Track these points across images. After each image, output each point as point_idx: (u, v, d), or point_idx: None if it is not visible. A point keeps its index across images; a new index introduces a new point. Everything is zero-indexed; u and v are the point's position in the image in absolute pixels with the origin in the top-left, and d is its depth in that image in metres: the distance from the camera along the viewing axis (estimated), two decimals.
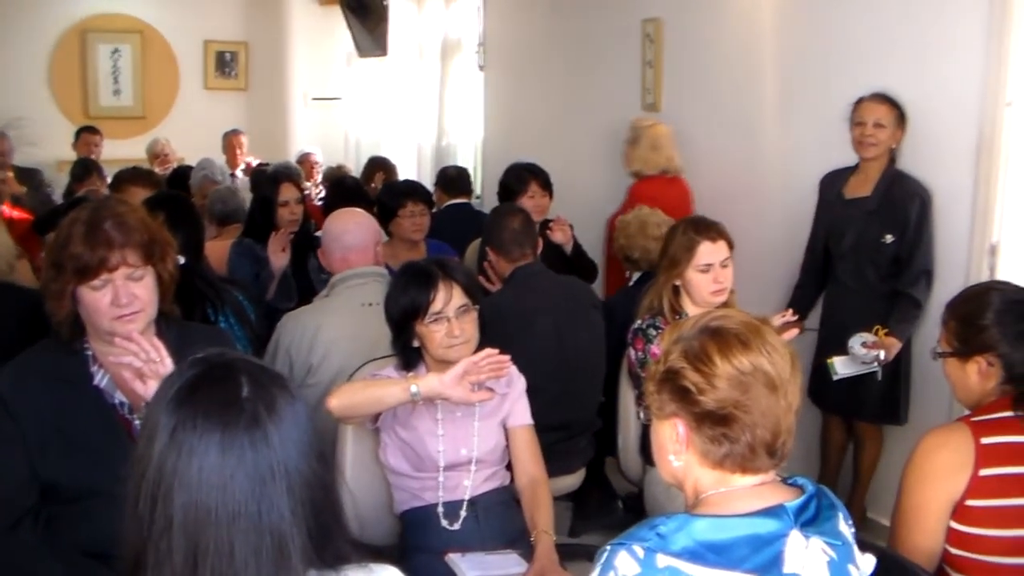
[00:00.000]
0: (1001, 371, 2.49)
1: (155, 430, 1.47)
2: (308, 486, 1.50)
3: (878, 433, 4.59)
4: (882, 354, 4.17)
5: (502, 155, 6.94)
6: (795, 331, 3.32)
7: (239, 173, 8.77)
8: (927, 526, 2.42)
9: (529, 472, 3.13)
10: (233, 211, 5.59)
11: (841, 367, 4.28)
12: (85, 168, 7.03)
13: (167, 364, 2.35)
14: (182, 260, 2.84)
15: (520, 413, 3.15)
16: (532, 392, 3.22)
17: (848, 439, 4.73)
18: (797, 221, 4.79)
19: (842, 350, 4.27)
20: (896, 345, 4.20)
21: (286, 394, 1.53)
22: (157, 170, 7.90)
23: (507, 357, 2.89)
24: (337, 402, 2.85)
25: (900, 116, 4.33)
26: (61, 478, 2.44)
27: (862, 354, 4.21)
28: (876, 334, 4.20)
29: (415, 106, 9.26)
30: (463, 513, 3.00)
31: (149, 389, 2.31)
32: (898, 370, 4.35)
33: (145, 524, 1.45)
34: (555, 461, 3.57)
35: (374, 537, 3.15)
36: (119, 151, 9.18)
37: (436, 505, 3.00)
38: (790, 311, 3.47)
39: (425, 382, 2.82)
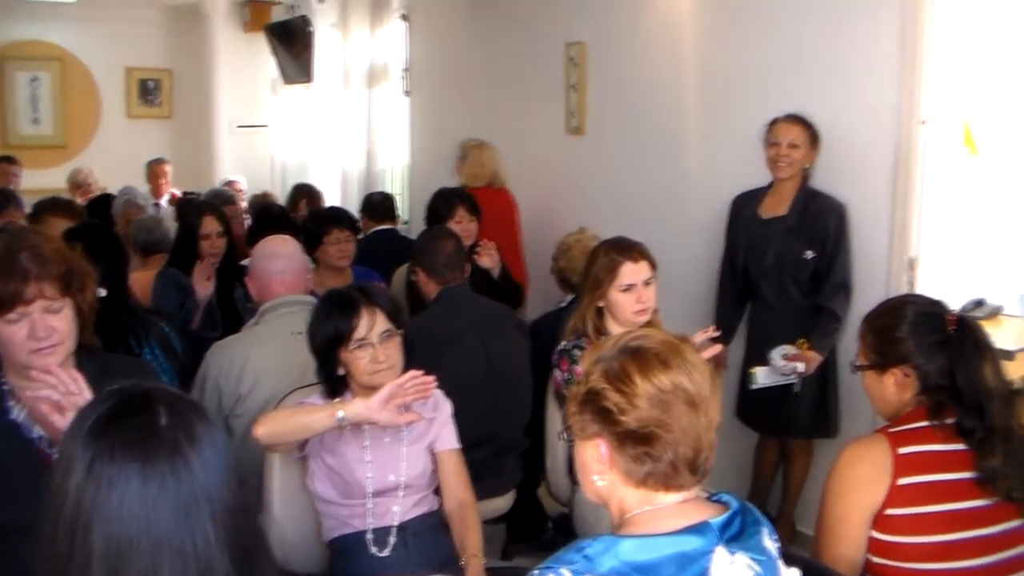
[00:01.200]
0: (917, 382, 2.55)
1: (71, 463, 1.46)
2: (230, 512, 1.49)
3: (808, 448, 4.66)
4: (800, 366, 4.26)
5: (429, 180, 6.95)
6: (718, 348, 3.36)
7: (164, 202, 8.68)
8: (849, 536, 2.46)
9: (457, 496, 3.13)
10: (157, 241, 5.53)
11: (762, 377, 4.37)
12: (3, 199, 6.89)
13: (86, 396, 2.32)
14: (104, 292, 2.80)
15: (447, 437, 3.16)
16: (460, 409, 3.24)
17: (780, 455, 4.80)
18: (720, 239, 4.85)
19: (764, 361, 4.36)
20: (816, 359, 4.29)
21: (205, 422, 1.53)
22: (79, 200, 7.79)
23: (432, 378, 2.90)
24: (264, 430, 2.84)
25: (814, 136, 4.43)
26: None
27: (781, 365, 4.30)
28: (800, 347, 4.28)
29: (341, 132, 9.24)
30: (392, 539, 2.99)
31: (68, 422, 2.27)
32: (826, 384, 4.44)
33: (63, 559, 1.43)
34: (484, 483, 3.58)
35: (303, 566, 3.15)
36: (39, 181, 9.02)
37: (365, 532, 2.98)
38: (712, 328, 3.52)
39: (351, 407, 2.82)
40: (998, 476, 2.42)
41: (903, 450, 2.45)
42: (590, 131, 6.16)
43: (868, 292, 4.24)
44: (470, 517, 3.11)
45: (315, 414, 2.86)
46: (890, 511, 2.42)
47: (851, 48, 4.45)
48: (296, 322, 3.53)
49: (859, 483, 2.47)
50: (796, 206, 4.43)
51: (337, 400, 2.91)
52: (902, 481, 2.42)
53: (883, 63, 4.29)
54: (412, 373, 2.87)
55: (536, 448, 4.09)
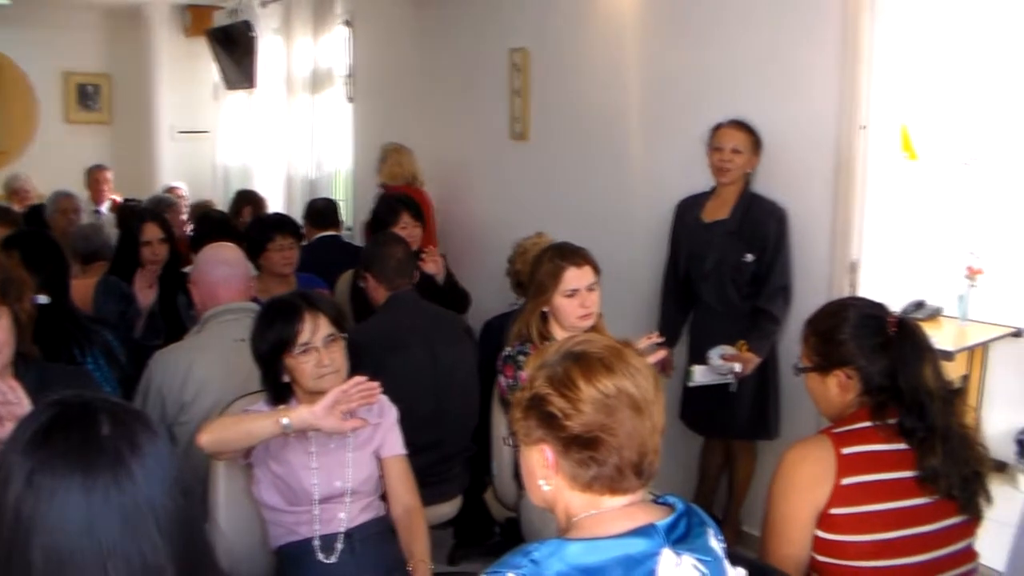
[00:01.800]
0: (859, 383, 2.59)
1: (11, 474, 1.43)
2: (175, 522, 1.48)
3: (752, 449, 4.71)
4: (737, 367, 4.31)
5: (373, 186, 6.93)
6: (662, 353, 3.39)
7: (104, 209, 8.58)
8: (794, 536, 2.49)
9: (404, 501, 3.13)
10: (97, 249, 5.46)
11: (699, 375, 4.43)
12: None
13: (25, 406, 2.29)
14: (45, 299, 2.77)
15: (393, 443, 3.15)
16: (407, 414, 3.23)
17: (725, 457, 4.84)
18: (664, 244, 4.88)
19: (704, 361, 4.41)
20: (754, 360, 4.34)
21: (148, 431, 1.51)
22: (15, 207, 7.68)
23: (376, 384, 2.89)
24: (208, 438, 2.81)
25: (756, 142, 4.48)
26: None
27: (718, 365, 4.36)
28: (739, 348, 4.33)
29: (285, 138, 9.19)
30: (339, 546, 2.98)
31: (6, 432, 2.24)
32: (766, 386, 4.49)
33: (1, 573, 1.41)
34: (431, 488, 3.57)
35: (250, 574, 3.11)
36: None
37: (312, 539, 2.97)
38: (656, 334, 3.54)
39: (296, 414, 2.80)
40: (938, 474, 2.47)
41: (846, 450, 2.48)
42: (534, 137, 6.18)
43: (810, 295, 4.29)
44: (417, 522, 3.11)
45: (259, 421, 2.84)
46: (834, 510, 2.45)
47: (793, 54, 4.50)
48: (239, 329, 3.51)
49: (803, 483, 2.50)
50: (737, 210, 4.48)
51: (282, 407, 2.90)
52: (845, 481, 2.45)
53: (823, 69, 4.35)
54: (357, 379, 2.86)
55: (483, 453, 4.09)
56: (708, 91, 4.89)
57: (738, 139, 4.44)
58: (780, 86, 4.56)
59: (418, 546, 3.04)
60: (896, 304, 5.73)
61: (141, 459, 1.46)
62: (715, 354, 4.38)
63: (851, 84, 4.24)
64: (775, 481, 2.56)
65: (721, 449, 4.82)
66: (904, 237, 6.01)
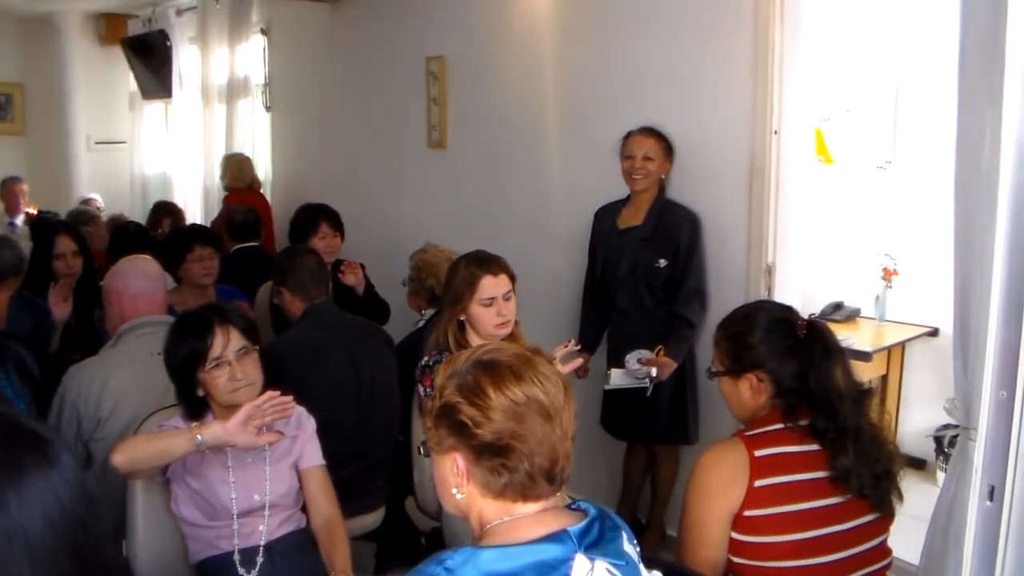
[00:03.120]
0: (771, 386, 2.63)
1: None
2: (56, 554, 1.42)
3: (674, 453, 4.75)
4: (654, 371, 4.34)
5: (292, 196, 6.89)
6: (579, 361, 3.40)
7: (19, 221, 8.42)
8: (710, 538, 2.52)
9: (324, 513, 3.12)
10: (10, 263, 5.34)
11: (616, 379, 4.46)
12: None
13: None
14: None
15: (312, 454, 3.14)
16: (328, 425, 3.22)
17: (648, 461, 4.88)
18: (582, 251, 4.91)
19: (622, 365, 4.44)
20: (671, 364, 4.37)
21: (36, 456, 1.45)
22: None
23: (290, 397, 2.88)
24: (121, 457, 2.77)
25: (668, 148, 4.51)
26: None
27: (635, 369, 4.39)
28: (656, 353, 4.37)
29: (203, 148, 9.08)
30: (259, 559, 2.96)
31: None
32: (684, 391, 4.53)
33: None
34: (354, 500, 3.56)
35: None
36: None
37: (232, 553, 2.95)
38: (572, 341, 3.56)
39: (209, 431, 2.78)
40: (850, 474, 2.51)
41: (759, 452, 2.51)
42: (452, 145, 6.18)
43: (727, 300, 4.32)
44: (337, 533, 3.10)
45: (174, 439, 2.80)
46: (748, 512, 2.48)
47: (705, 60, 4.55)
48: (155, 342, 3.45)
49: (717, 486, 2.53)
50: (651, 216, 4.51)
51: (195, 424, 2.87)
52: (759, 483, 2.48)
53: (735, 75, 4.40)
54: (269, 393, 2.85)
55: (404, 463, 4.08)
56: (623, 98, 4.93)
57: (648, 146, 4.47)
58: (693, 92, 4.60)
59: (339, 557, 3.02)
60: (814, 306, 5.85)
61: (17, 486, 1.41)
62: (632, 358, 4.41)
63: (763, 89, 4.29)
64: (690, 484, 2.59)
65: (644, 453, 4.86)
66: (821, 240, 6.13)
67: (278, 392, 2.86)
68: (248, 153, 8.45)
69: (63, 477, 1.46)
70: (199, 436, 2.76)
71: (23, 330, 4.41)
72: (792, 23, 4.25)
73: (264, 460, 3.02)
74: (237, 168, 7.84)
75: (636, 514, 4.91)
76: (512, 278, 3.62)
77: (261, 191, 7.86)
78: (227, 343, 2.91)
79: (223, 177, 7.88)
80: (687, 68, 4.62)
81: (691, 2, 4.58)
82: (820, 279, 6.05)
